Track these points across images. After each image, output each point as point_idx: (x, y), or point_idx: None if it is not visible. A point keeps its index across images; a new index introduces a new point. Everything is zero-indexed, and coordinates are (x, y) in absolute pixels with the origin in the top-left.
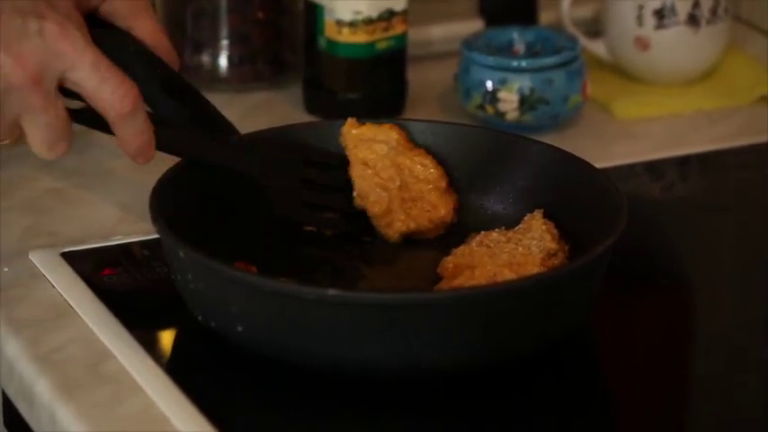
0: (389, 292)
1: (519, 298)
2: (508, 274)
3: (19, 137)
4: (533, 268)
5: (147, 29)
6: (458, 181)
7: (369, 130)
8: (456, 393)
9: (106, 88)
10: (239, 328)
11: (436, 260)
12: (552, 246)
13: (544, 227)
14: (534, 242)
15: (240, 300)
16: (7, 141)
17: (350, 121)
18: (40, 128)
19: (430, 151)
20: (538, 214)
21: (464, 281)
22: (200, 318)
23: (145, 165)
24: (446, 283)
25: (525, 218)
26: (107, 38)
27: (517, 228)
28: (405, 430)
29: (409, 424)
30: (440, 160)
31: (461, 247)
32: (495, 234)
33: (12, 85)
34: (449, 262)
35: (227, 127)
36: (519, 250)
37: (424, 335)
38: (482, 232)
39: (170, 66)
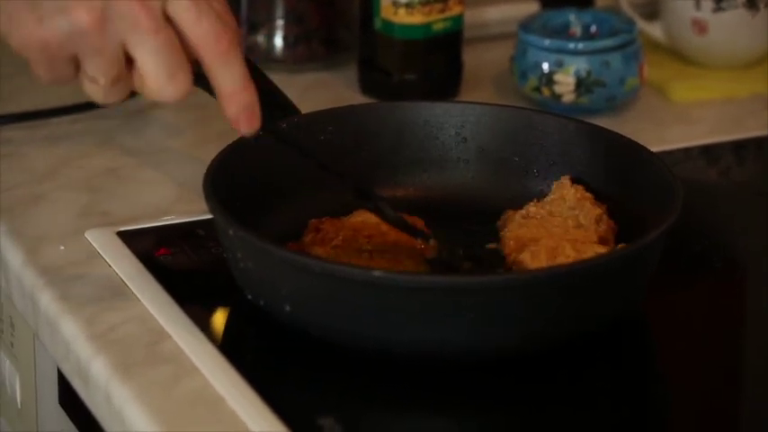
0: (435, 275)
1: (570, 284)
2: (569, 251)
3: (128, 81)
4: (591, 242)
5: None
6: (515, 164)
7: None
8: (506, 379)
9: (203, 23)
10: (287, 308)
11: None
12: (597, 210)
13: (578, 195)
14: (579, 213)
15: (288, 280)
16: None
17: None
18: (152, 54)
19: (487, 134)
20: (565, 180)
21: (529, 257)
22: (249, 297)
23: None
24: (514, 258)
25: (554, 186)
26: None
27: (549, 198)
28: (452, 413)
29: (457, 407)
30: (495, 143)
31: (510, 225)
32: (533, 208)
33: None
34: (508, 239)
35: (289, 106)
36: (569, 223)
37: (468, 319)
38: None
39: None
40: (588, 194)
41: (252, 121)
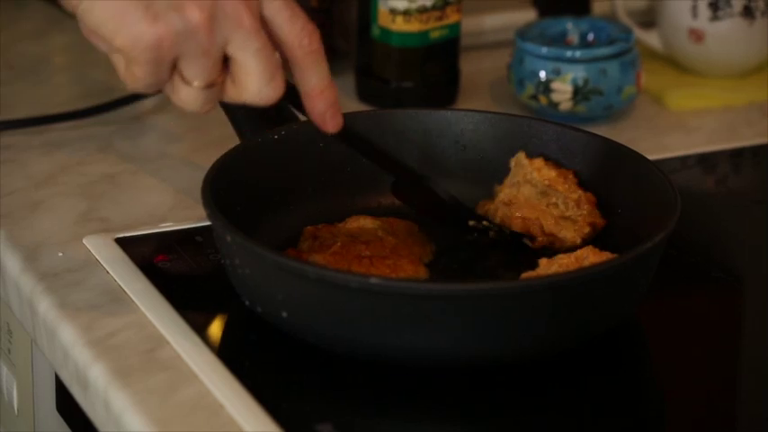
0: (430, 282)
1: (565, 293)
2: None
3: (219, 87)
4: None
5: None
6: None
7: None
8: (503, 386)
9: (297, 22)
10: (284, 314)
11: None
12: (573, 195)
13: (545, 179)
14: (558, 200)
15: (284, 286)
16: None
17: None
18: (255, 54)
19: (484, 141)
20: (522, 159)
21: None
22: (247, 303)
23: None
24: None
25: (512, 165)
26: None
27: (513, 178)
28: (449, 420)
29: (454, 414)
30: (493, 151)
31: (500, 212)
32: (506, 190)
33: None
34: (516, 218)
35: (288, 112)
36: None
37: (459, 326)
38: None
39: None
40: (550, 171)
41: (336, 118)
